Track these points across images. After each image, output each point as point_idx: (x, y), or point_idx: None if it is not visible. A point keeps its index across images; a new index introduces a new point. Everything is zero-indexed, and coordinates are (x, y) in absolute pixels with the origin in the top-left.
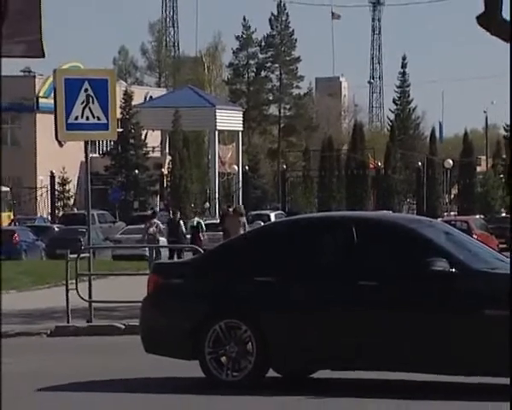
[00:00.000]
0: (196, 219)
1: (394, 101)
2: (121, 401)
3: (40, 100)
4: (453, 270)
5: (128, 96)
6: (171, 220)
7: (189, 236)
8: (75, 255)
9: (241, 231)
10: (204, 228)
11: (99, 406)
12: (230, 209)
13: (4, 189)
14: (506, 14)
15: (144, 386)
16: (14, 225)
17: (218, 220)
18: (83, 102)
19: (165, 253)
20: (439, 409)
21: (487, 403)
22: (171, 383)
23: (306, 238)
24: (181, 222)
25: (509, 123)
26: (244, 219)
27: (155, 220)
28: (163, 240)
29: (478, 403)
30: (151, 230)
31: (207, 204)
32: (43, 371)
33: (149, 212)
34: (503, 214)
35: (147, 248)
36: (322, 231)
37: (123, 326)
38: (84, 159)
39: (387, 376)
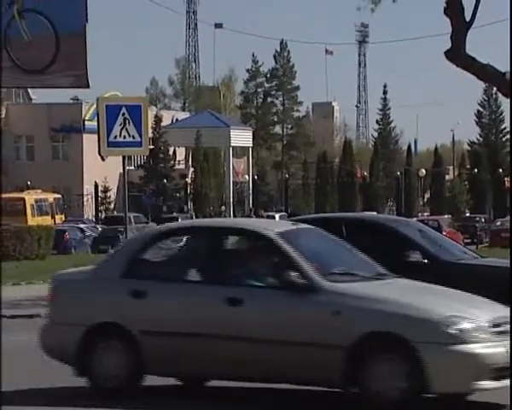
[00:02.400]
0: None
1: (377, 121)
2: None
3: (86, 122)
4: (425, 261)
5: (158, 119)
6: None
7: None
8: None
9: None
10: None
11: None
12: (253, 213)
13: (57, 196)
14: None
15: None
16: (66, 225)
17: None
18: (121, 124)
19: None
20: None
21: None
22: None
23: None
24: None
25: (471, 140)
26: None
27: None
28: None
29: None
30: None
31: (223, 207)
32: None
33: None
34: (467, 214)
35: None
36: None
37: None
38: (122, 171)
39: None
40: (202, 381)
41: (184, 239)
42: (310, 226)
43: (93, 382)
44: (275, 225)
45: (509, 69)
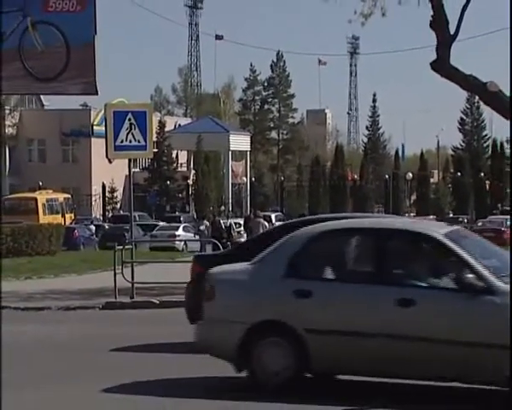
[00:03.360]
0: (229, 221)
1: (367, 127)
2: (156, 359)
3: (94, 127)
4: None
5: (162, 124)
6: (213, 221)
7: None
8: (121, 247)
9: (261, 230)
10: (234, 228)
11: (142, 363)
12: (252, 214)
13: (67, 196)
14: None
15: (173, 347)
16: (75, 223)
17: (243, 222)
18: (127, 129)
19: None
20: None
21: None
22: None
23: None
24: (221, 222)
25: (455, 146)
26: (262, 220)
27: (205, 221)
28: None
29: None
30: (201, 228)
31: (223, 207)
32: (99, 335)
33: (189, 214)
34: (451, 215)
35: (177, 241)
36: None
37: (158, 302)
38: (127, 173)
39: None
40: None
41: (346, 239)
42: (460, 227)
43: (255, 378)
44: (437, 227)
45: (489, 79)
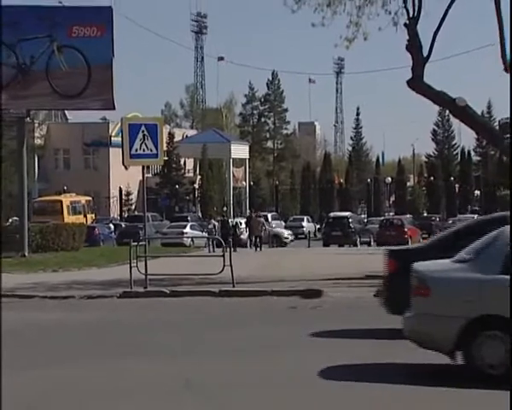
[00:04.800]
0: (236, 219)
1: (351, 138)
2: (154, 343)
3: (112, 138)
4: None
5: (171, 135)
6: (223, 220)
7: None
8: (136, 243)
9: (260, 228)
10: (240, 226)
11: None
12: (253, 214)
13: (88, 198)
14: (428, 80)
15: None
16: (96, 223)
17: (244, 221)
18: (140, 140)
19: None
20: None
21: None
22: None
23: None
24: (229, 221)
25: (428, 153)
26: (262, 220)
27: (212, 220)
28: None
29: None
30: (210, 226)
31: (225, 208)
32: (116, 320)
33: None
34: (425, 214)
35: (184, 238)
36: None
37: (168, 291)
38: (141, 178)
39: None
40: None
41: None
42: None
43: (474, 368)
44: None
45: (457, 96)
